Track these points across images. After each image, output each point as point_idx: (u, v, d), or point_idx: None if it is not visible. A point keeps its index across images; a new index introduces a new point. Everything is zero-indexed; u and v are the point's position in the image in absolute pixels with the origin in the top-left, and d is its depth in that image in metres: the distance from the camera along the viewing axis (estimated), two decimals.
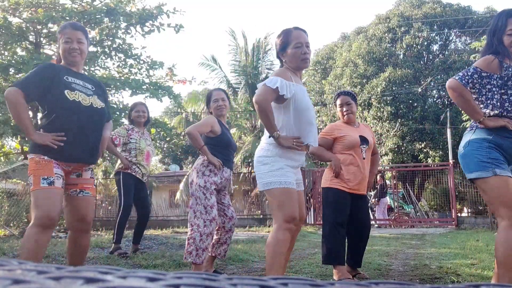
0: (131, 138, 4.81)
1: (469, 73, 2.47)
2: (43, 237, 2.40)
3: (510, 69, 2.45)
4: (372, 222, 12.68)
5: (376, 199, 13.05)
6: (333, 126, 3.62)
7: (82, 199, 2.62)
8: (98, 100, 2.64)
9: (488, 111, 2.46)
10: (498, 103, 2.45)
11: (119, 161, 4.83)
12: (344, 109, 3.56)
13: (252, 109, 16.81)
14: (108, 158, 10.47)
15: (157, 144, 20.62)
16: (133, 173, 4.75)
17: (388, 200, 13.02)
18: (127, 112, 9.43)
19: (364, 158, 3.48)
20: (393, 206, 12.97)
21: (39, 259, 2.41)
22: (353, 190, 3.42)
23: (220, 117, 3.66)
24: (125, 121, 9.70)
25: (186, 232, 3.57)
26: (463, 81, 2.45)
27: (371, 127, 18.73)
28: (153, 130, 9.37)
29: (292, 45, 2.55)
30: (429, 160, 18.74)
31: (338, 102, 3.63)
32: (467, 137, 2.52)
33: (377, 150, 3.84)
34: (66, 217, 2.68)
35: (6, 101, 2.45)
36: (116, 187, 4.95)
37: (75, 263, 2.66)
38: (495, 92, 2.46)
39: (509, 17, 2.47)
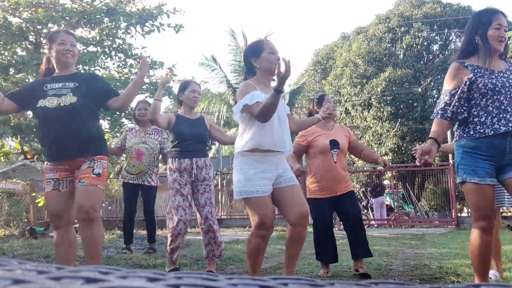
0: (126, 140, 4.91)
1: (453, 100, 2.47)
2: (56, 234, 2.75)
3: (476, 70, 2.44)
4: (372, 222, 12.69)
5: (368, 199, 13.14)
6: (305, 132, 3.64)
7: (78, 189, 2.66)
8: (71, 97, 2.69)
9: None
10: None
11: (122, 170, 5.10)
12: (326, 106, 3.63)
13: None
14: (108, 158, 10.47)
15: None
16: (125, 180, 4.95)
17: (384, 199, 13.02)
18: (127, 112, 9.44)
19: (335, 162, 3.55)
20: (393, 206, 12.96)
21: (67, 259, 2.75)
22: (329, 195, 3.57)
23: (191, 109, 3.69)
24: (125, 120, 9.72)
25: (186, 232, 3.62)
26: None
27: (371, 127, 18.76)
28: None
29: (266, 52, 2.67)
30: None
31: (326, 98, 3.77)
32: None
33: (360, 144, 3.94)
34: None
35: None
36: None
37: (92, 258, 2.66)
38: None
39: (494, 13, 2.47)
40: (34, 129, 8.39)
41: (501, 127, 2.34)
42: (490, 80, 2.39)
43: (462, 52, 2.57)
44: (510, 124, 2.34)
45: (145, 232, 5.86)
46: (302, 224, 2.61)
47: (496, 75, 2.42)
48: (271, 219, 2.58)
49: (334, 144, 3.56)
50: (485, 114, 2.39)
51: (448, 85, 2.50)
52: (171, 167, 3.51)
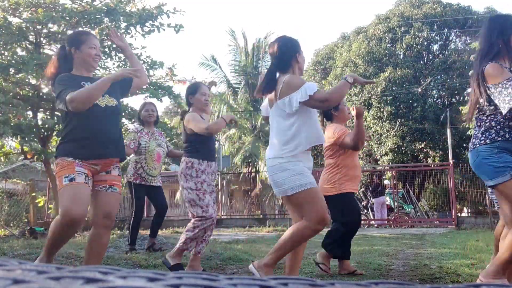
0: (141, 141, 4.90)
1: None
2: (68, 231, 2.61)
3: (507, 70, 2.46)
4: (372, 222, 12.69)
5: (368, 199, 13.14)
6: (343, 127, 3.70)
7: (110, 195, 2.71)
8: (110, 99, 2.77)
9: None
10: None
11: (129, 171, 5.00)
12: (345, 106, 3.82)
13: (252, 109, 16.83)
14: None
15: None
16: (143, 182, 4.92)
17: (385, 200, 13.02)
18: (127, 112, 9.44)
19: (360, 158, 3.72)
20: (393, 206, 12.97)
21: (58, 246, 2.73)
22: (356, 190, 3.75)
23: (202, 112, 3.65)
24: (125, 121, 9.70)
25: None
26: None
27: (371, 127, 18.75)
28: None
29: (302, 55, 2.77)
30: (429, 160, 18.74)
31: (347, 107, 3.83)
32: (475, 148, 2.55)
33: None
34: (91, 213, 2.77)
35: (77, 104, 2.56)
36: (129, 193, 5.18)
37: (93, 261, 2.68)
38: None
39: None
40: (34, 129, 8.40)
41: None
42: None
43: (488, 54, 2.55)
44: None
45: (145, 232, 5.88)
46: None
47: None
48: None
49: None
50: None
51: (503, 77, 2.44)
52: (200, 168, 3.47)
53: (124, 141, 4.74)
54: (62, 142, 2.72)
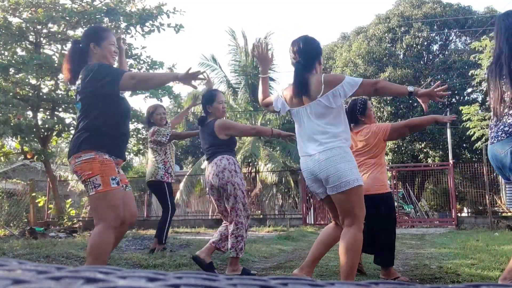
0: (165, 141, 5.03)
1: None
2: (112, 239, 2.45)
3: None
4: None
5: None
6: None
7: (129, 194, 2.73)
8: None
9: None
10: None
11: (159, 171, 4.91)
12: (373, 110, 3.78)
13: (251, 109, 16.84)
14: None
15: None
16: (172, 181, 5.05)
17: None
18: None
19: None
20: None
21: (105, 259, 2.43)
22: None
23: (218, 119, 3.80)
24: None
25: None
26: None
27: None
28: None
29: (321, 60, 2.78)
30: (429, 160, 18.75)
31: (369, 105, 3.70)
32: (500, 143, 2.56)
33: None
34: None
35: (137, 81, 2.55)
36: (158, 193, 5.10)
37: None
38: None
39: None
40: (34, 129, 8.40)
41: None
42: None
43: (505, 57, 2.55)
44: None
45: (145, 232, 5.86)
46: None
47: None
48: None
49: None
50: None
51: None
52: (236, 169, 3.57)
53: (158, 136, 4.83)
54: (96, 134, 2.49)
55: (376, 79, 2.51)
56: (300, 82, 2.63)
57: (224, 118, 3.85)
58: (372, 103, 3.95)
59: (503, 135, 2.58)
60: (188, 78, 2.56)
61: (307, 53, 2.68)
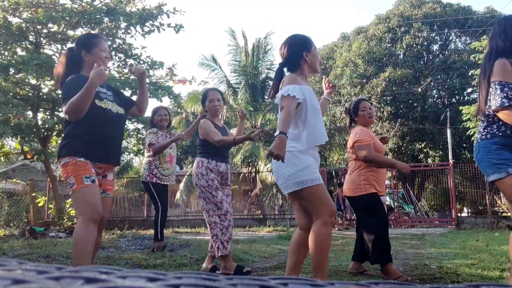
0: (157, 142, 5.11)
1: (505, 91, 2.43)
2: (93, 232, 2.53)
3: None
4: None
5: None
6: (367, 131, 3.66)
7: (104, 200, 2.75)
8: (118, 107, 2.85)
9: None
10: None
11: (143, 172, 5.18)
12: (368, 111, 3.71)
13: (252, 109, 16.83)
14: None
15: None
16: (159, 181, 5.13)
17: (385, 200, 13.00)
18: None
19: None
20: (393, 206, 12.97)
21: (89, 254, 2.50)
22: (379, 192, 3.61)
23: (215, 117, 3.81)
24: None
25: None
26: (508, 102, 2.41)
27: (371, 127, 18.74)
28: None
29: (315, 52, 2.73)
30: (429, 160, 18.75)
31: (361, 106, 3.73)
32: (477, 143, 2.59)
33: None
34: None
35: (70, 117, 2.59)
36: (147, 193, 5.41)
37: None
38: None
39: None
40: (34, 129, 8.40)
41: None
42: None
43: (504, 52, 2.54)
44: None
45: (145, 232, 5.89)
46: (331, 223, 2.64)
47: None
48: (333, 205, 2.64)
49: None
50: None
51: (504, 78, 2.45)
52: (208, 166, 3.63)
53: (146, 141, 5.02)
54: (71, 140, 2.66)
55: (282, 104, 2.46)
56: (275, 83, 2.74)
57: (220, 116, 3.91)
58: (371, 103, 3.93)
59: (475, 140, 2.65)
60: (97, 76, 2.62)
61: (289, 52, 2.72)
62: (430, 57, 20.88)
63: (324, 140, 2.70)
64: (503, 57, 2.50)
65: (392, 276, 3.38)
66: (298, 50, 2.70)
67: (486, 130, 2.54)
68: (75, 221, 10.45)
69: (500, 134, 2.46)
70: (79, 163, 2.59)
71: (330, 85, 3.22)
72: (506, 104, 2.37)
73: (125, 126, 2.89)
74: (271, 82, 3.09)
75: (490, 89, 2.48)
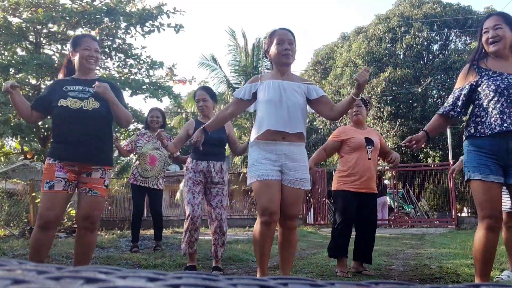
0: (138, 143, 5.14)
1: (450, 97, 2.64)
2: (42, 236, 2.64)
3: (483, 73, 2.51)
4: None
5: None
6: (341, 129, 3.87)
7: (90, 198, 2.74)
8: (93, 102, 2.75)
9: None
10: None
11: (130, 172, 5.42)
12: (354, 109, 3.74)
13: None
14: None
15: None
16: (135, 182, 5.15)
17: (386, 200, 12.99)
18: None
19: (369, 159, 3.67)
20: (393, 206, 12.96)
21: (41, 257, 2.64)
22: (359, 189, 3.63)
23: (205, 117, 3.77)
24: None
25: None
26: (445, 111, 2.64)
27: (371, 127, 18.75)
28: None
29: (274, 43, 2.71)
30: (429, 160, 18.74)
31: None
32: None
33: (389, 149, 4.02)
34: (75, 214, 2.91)
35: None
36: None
37: (80, 261, 2.76)
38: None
39: (485, 20, 2.59)
40: (34, 129, 8.39)
41: (496, 127, 2.40)
42: (494, 82, 2.43)
43: (475, 54, 2.63)
44: (505, 125, 2.37)
45: (145, 232, 5.91)
46: (289, 224, 2.67)
47: (504, 77, 2.44)
48: (274, 204, 2.55)
49: (369, 141, 3.72)
50: (486, 115, 2.45)
51: (457, 84, 2.63)
52: (188, 166, 3.71)
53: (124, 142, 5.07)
54: (51, 143, 2.88)
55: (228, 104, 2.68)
56: None
57: (210, 115, 3.79)
58: (367, 101, 3.97)
59: None
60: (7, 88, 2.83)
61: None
62: (430, 57, 20.87)
63: (268, 126, 2.60)
64: (474, 60, 2.59)
65: (341, 268, 3.56)
66: (264, 51, 2.87)
67: (465, 131, 2.61)
68: (75, 221, 10.45)
69: (468, 134, 2.54)
70: (47, 167, 2.71)
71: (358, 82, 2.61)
72: (440, 112, 2.65)
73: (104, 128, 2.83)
74: None
75: None
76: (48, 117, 2.99)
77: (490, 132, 2.40)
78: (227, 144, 3.89)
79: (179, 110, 15.12)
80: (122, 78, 9.28)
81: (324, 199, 12.28)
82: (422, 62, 20.39)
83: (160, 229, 5.42)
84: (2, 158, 9.56)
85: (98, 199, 2.76)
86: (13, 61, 8.09)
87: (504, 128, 2.36)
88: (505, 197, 2.92)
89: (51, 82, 2.96)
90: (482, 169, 2.41)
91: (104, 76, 9.21)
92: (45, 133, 8.90)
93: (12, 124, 7.79)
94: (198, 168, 3.64)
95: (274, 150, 2.61)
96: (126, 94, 10.08)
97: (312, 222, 11.76)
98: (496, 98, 2.42)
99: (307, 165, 2.70)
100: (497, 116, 2.40)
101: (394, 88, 18.58)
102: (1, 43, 8.30)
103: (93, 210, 2.74)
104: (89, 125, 2.73)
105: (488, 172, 2.40)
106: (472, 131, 2.49)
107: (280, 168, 2.61)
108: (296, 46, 2.77)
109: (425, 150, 18.74)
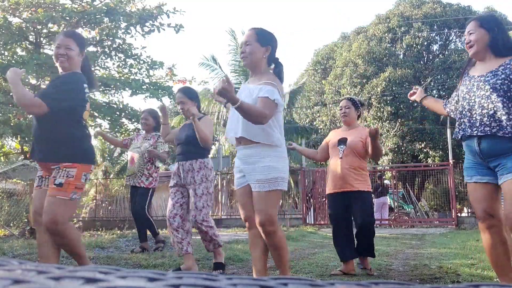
0: (132, 143, 5.24)
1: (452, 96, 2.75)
2: (39, 235, 2.74)
3: (465, 78, 2.59)
4: None
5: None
6: (331, 132, 4.02)
7: (45, 197, 2.71)
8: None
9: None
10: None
11: None
12: (342, 110, 3.85)
13: None
14: (108, 158, 10.42)
15: None
16: (127, 183, 5.36)
17: (386, 200, 12.99)
18: (127, 112, 9.44)
19: (341, 158, 3.68)
20: (393, 206, 12.96)
21: (48, 258, 2.76)
22: (335, 190, 3.69)
23: (187, 119, 3.76)
24: (125, 121, 9.69)
25: None
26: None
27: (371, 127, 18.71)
28: None
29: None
30: (429, 160, 18.74)
31: (340, 104, 3.98)
32: None
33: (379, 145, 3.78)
34: None
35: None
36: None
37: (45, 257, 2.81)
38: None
39: (468, 23, 2.63)
40: None
41: (458, 132, 2.51)
42: (464, 87, 2.54)
43: (468, 59, 2.70)
44: (464, 129, 2.45)
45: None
46: (264, 228, 2.51)
47: (473, 80, 2.50)
48: (244, 211, 2.63)
49: (342, 141, 3.73)
50: (457, 119, 2.58)
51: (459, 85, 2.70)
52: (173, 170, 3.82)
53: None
54: None
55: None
56: None
57: (192, 116, 3.51)
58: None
59: None
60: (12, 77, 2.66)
61: None
62: (430, 57, 20.88)
63: (227, 135, 2.66)
64: (467, 65, 2.66)
65: (341, 270, 3.61)
66: None
67: None
68: (75, 221, 10.45)
69: (455, 135, 2.58)
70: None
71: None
72: (443, 102, 2.81)
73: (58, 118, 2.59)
74: None
75: None
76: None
77: (455, 136, 2.54)
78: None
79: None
80: (122, 78, 9.28)
81: (324, 199, 12.28)
82: (422, 62, 20.39)
83: (143, 229, 5.14)
84: (2, 158, 9.57)
85: (48, 199, 2.58)
86: (13, 61, 8.09)
87: (461, 132, 2.46)
88: None
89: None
90: (468, 171, 2.50)
91: (104, 76, 9.22)
92: None
93: (12, 124, 7.79)
94: (173, 171, 3.74)
95: (238, 156, 2.63)
96: (126, 94, 10.08)
97: (312, 222, 11.76)
98: (460, 103, 2.54)
99: (272, 164, 2.48)
100: (460, 120, 2.51)
101: (394, 88, 18.58)
102: (1, 43, 8.31)
103: (44, 211, 2.56)
104: (39, 122, 2.64)
105: (472, 173, 2.46)
106: (458, 133, 2.58)
107: (243, 173, 2.58)
108: (261, 41, 2.60)
109: (425, 150, 18.75)
